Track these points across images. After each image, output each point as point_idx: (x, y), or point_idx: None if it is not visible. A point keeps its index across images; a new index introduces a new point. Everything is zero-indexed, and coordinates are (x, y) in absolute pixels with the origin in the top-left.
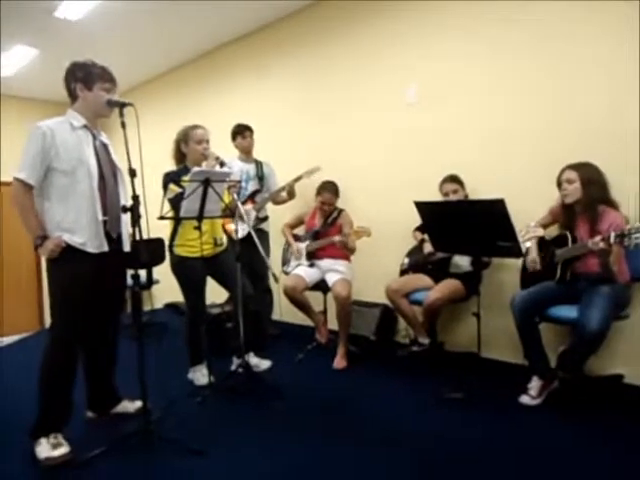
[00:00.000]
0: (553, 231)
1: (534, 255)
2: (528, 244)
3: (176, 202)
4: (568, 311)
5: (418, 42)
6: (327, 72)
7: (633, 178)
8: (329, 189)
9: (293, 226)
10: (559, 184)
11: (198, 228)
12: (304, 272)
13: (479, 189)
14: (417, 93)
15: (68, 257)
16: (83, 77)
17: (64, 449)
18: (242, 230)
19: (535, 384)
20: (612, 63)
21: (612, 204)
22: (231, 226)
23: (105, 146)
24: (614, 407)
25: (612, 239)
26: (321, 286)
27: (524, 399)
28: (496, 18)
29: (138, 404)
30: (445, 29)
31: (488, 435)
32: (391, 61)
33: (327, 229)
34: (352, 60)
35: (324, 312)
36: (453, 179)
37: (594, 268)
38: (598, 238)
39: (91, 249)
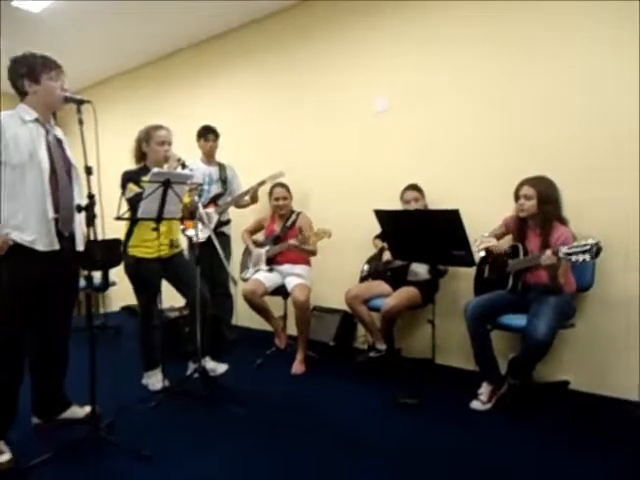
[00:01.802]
0: (506, 242)
1: (493, 241)
2: (482, 254)
3: (135, 201)
4: (518, 319)
5: (389, 52)
6: (294, 77)
7: (586, 191)
8: (280, 185)
9: (253, 232)
10: (517, 198)
11: (156, 229)
12: (263, 277)
13: (439, 199)
14: (386, 102)
15: (16, 256)
16: (27, 71)
17: (6, 456)
18: (203, 233)
19: (485, 389)
20: (577, 77)
21: (563, 221)
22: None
23: (59, 141)
24: (560, 412)
25: (561, 254)
26: (281, 291)
27: (475, 404)
28: (465, 31)
29: (88, 409)
30: (416, 40)
31: (439, 439)
32: (361, 70)
33: (286, 232)
34: (321, 66)
35: (284, 317)
36: (414, 187)
37: (543, 279)
38: (549, 252)
39: (40, 247)
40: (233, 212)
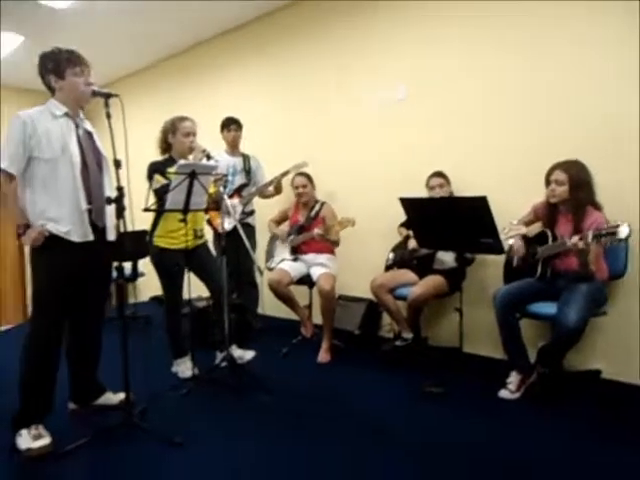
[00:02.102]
0: (535, 229)
1: (519, 243)
2: (511, 241)
3: (162, 193)
4: (548, 307)
5: (410, 39)
6: (315, 68)
7: (620, 177)
8: (300, 174)
9: (279, 222)
10: (548, 182)
11: (184, 220)
12: (289, 266)
13: (464, 186)
14: (407, 90)
15: (52, 246)
16: (53, 67)
17: (45, 440)
18: (228, 224)
19: (514, 379)
20: (606, 63)
21: (596, 205)
22: (218, 220)
23: (89, 134)
24: (590, 401)
25: (589, 238)
26: (306, 280)
27: (503, 393)
28: (489, 16)
29: (121, 396)
30: (437, 27)
31: (467, 428)
32: (382, 58)
33: (311, 223)
34: (341, 56)
35: (309, 306)
36: (439, 174)
37: (573, 266)
38: (576, 238)
39: (75, 238)
40: (257, 203)
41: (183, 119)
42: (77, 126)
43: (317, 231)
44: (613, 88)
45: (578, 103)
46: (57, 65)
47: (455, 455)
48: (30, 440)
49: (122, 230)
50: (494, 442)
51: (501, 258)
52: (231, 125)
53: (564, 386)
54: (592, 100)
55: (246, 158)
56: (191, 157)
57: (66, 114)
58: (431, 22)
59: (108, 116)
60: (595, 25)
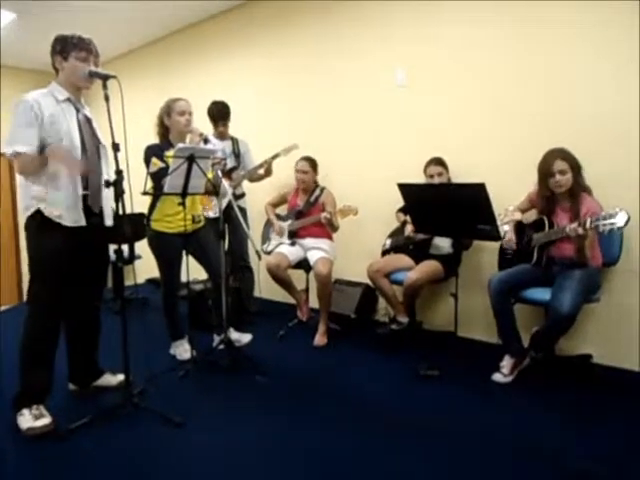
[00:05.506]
0: (531, 215)
1: (511, 236)
2: (506, 227)
3: (159, 177)
4: (542, 293)
5: (409, 24)
6: (312, 51)
7: (610, 164)
8: (304, 158)
9: (275, 205)
10: (551, 174)
11: (182, 204)
12: (287, 250)
13: (461, 172)
14: (406, 75)
15: (46, 228)
16: (60, 49)
17: (46, 420)
18: (214, 213)
19: (507, 362)
20: (602, 54)
21: (587, 190)
22: (210, 204)
23: (89, 120)
24: (582, 385)
25: (588, 225)
26: (303, 264)
27: (496, 377)
28: (488, 4)
29: (120, 377)
30: (437, 12)
31: (461, 411)
32: (381, 43)
33: (309, 208)
34: (339, 40)
35: (306, 290)
36: (438, 162)
37: (568, 252)
38: (575, 224)
39: (67, 223)
40: (246, 186)
41: (177, 99)
42: (78, 111)
43: (324, 214)
44: (605, 81)
45: (571, 94)
46: (63, 46)
47: (449, 436)
48: (31, 419)
49: (120, 213)
50: (488, 423)
51: (495, 244)
52: (219, 121)
53: (556, 370)
54: (585, 92)
55: (235, 142)
56: (188, 139)
57: (68, 99)
58: (429, 9)
59: (106, 98)
60: (587, 20)
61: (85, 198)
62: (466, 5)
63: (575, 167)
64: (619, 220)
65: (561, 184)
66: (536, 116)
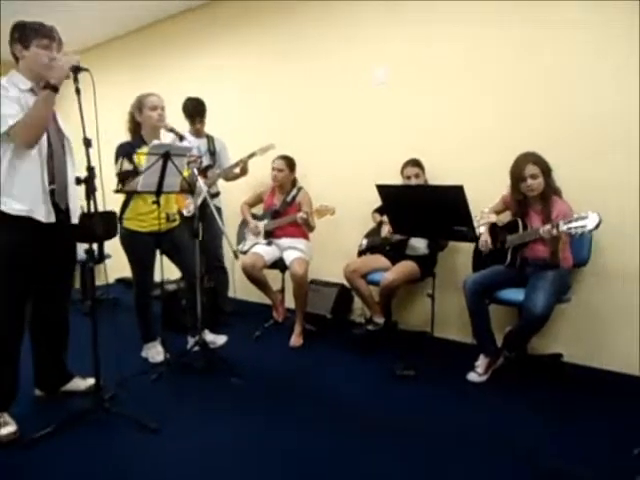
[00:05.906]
0: (505, 217)
1: (486, 237)
2: (482, 229)
3: (124, 178)
4: (516, 294)
5: (388, 21)
6: (288, 49)
7: (583, 167)
8: (281, 157)
9: (252, 204)
10: (522, 179)
11: (156, 203)
12: (263, 250)
13: (438, 174)
14: (384, 74)
15: (9, 226)
16: (19, 36)
17: (10, 428)
18: (187, 212)
19: (482, 362)
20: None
21: (558, 192)
22: (184, 202)
23: (53, 113)
24: (553, 384)
25: (561, 227)
26: (279, 264)
27: (471, 376)
28: (468, 4)
29: (90, 381)
30: (416, 10)
31: (437, 410)
32: (361, 42)
33: (286, 208)
34: (318, 37)
35: (282, 290)
36: (415, 163)
37: (542, 254)
38: (549, 226)
39: (38, 217)
40: (221, 185)
41: (148, 94)
42: None
43: (301, 214)
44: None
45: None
46: (24, 35)
47: (426, 435)
48: None
49: (92, 211)
50: (463, 422)
51: (471, 245)
52: (196, 118)
53: (528, 369)
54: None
55: (210, 140)
56: (162, 135)
57: (31, 89)
58: (412, 8)
59: (78, 92)
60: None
61: (52, 193)
62: (453, 5)
63: (546, 171)
64: (589, 223)
65: (533, 188)
66: (514, 119)
